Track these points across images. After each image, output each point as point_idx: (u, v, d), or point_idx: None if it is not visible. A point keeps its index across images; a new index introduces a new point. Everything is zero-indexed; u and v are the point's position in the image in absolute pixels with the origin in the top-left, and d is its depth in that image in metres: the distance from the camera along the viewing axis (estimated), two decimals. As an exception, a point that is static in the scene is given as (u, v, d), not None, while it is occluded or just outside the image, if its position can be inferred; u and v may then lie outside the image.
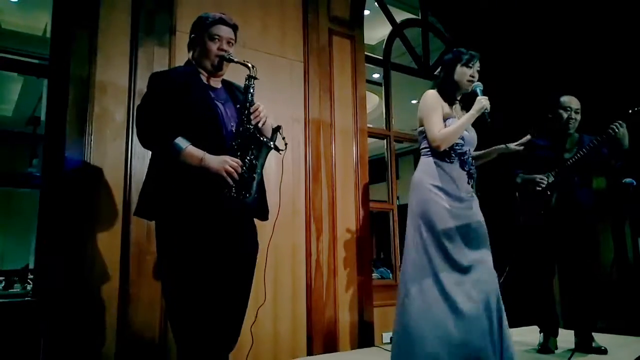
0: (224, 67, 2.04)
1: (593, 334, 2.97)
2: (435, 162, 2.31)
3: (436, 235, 2.21)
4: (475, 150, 2.46)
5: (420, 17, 4.68)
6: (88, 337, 2.46)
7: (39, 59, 2.85)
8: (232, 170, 1.83)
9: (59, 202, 2.55)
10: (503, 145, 2.49)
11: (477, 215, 2.32)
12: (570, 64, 4.27)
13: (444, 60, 2.48)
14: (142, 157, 2.73)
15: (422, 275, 2.20)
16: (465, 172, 2.32)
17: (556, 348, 3.02)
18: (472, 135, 2.39)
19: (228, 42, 2.03)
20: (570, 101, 3.05)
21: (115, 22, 2.80)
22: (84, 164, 2.61)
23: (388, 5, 4.42)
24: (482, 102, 2.25)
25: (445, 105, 2.35)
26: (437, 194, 2.26)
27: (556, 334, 3.06)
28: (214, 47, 2.00)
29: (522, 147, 2.50)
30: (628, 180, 2.90)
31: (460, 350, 2.08)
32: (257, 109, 1.93)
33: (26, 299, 2.60)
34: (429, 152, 2.34)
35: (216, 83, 2.08)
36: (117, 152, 2.71)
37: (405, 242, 2.32)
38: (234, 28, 2.07)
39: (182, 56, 2.95)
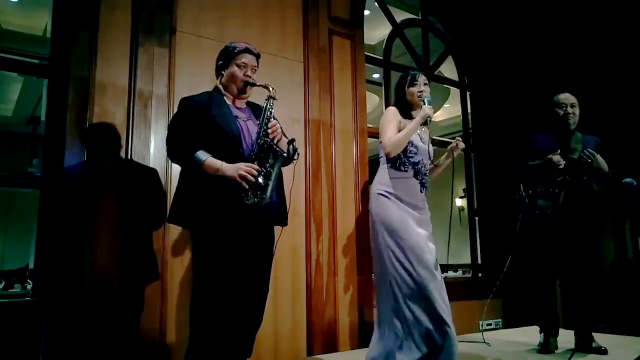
0: (248, 91, 2.27)
1: (593, 334, 2.96)
2: (389, 172, 2.51)
3: (397, 238, 2.39)
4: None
5: (420, 17, 4.68)
6: (88, 337, 2.46)
7: (39, 59, 2.85)
8: (245, 175, 2.00)
9: (59, 202, 2.55)
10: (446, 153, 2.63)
11: (429, 226, 2.51)
12: (570, 63, 4.28)
13: (396, 85, 2.71)
14: (142, 157, 2.74)
15: (387, 279, 2.39)
16: (419, 182, 2.51)
17: (556, 348, 3.02)
18: (426, 147, 2.58)
19: (252, 69, 2.27)
20: (566, 97, 3.05)
21: (115, 22, 2.80)
22: (84, 164, 2.61)
23: (388, 5, 4.43)
24: (426, 111, 2.47)
25: (405, 121, 2.54)
26: (392, 200, 2.45)
27: (556, 334, 3.06)
28: (240, 73, 2.23)
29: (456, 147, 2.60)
30: (628, 180, 2.91)
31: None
32: (274, 125, 2.12)
33: (26, 299, 2.60)
34: (385, 162, 2.53)
35: (241, 104, 2.30)
36: (117, 152, 2.71)
37: (372, 252, 2.52)
38: (257, 57, 2.32)
39: (182, 56, 2.97)
